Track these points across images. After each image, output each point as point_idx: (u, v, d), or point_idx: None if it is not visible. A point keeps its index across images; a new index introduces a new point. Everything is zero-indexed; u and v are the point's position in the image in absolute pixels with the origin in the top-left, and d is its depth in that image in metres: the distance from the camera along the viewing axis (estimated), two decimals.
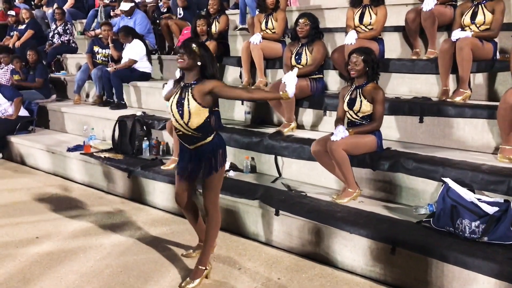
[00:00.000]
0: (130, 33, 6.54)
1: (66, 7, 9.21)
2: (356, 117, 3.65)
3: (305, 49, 4.50)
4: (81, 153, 5.27)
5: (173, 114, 2.92)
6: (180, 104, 2.88)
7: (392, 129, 4.13)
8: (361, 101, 3.58)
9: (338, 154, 3.50)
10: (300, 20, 4.47)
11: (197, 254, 3.28)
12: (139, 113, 5.61)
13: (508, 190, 3.06)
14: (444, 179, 3.21)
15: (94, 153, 5.19)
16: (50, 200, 4.67)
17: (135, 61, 6.47)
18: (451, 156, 3.60)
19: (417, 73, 4.48)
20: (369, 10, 4.67)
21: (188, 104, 2.85)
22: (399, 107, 4.10)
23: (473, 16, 4.12)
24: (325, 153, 3.64)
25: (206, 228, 3.09)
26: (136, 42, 6.50)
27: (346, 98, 3.69)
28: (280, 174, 4.29)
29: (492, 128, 3.66)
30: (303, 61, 4.49)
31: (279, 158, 4.29)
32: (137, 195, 4.62)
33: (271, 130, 4.59)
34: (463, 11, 4.25)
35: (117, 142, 5.33)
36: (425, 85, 4.43)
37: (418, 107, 4.00)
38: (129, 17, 7.15)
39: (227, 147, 4.51)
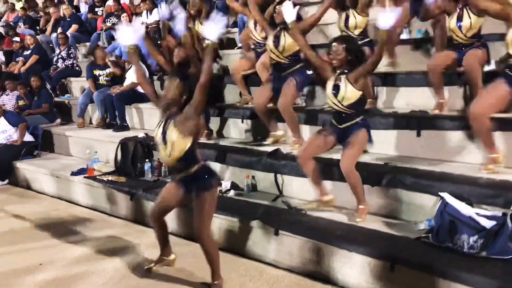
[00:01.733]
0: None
1: (70, 31, 9.38)
2: (341, 106, 3.49)
3: None
4: (84, 177, 5.33)
5: (157, 144, 3.05)
6: (164, 136, 3.02)
7: (389, 144, 4.14)
8: (346, 87, 3.44)
9: (354, 175, 3.45)
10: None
11: (158, 267, 3.48)
12: (141, 134, 5.67)
13: (505, 203, 3.05)
14: (442, 194, 3.21)
15: (97, 177, 5.26)
16: (54, 225, 4.72)
17: (137, 84, 6.55)
18: (449, 170, 3.59)
19: (413, 86, 4.50)
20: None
21: (171, 136, 2.98)
22: (396, 121, 4.11)
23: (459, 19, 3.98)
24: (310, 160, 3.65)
25: (208, 261, 3.15)
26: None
27: (330, 85, 3.54)
28: (280, 192, 4.31)
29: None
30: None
31: (279, 176, 4.31)
32: (140, 217, 4.65)
33: (271, 147, 4.60)
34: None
35: (119, 165, 5.40)
36: (421, 98, 4.43)
37: (415, 121, 4.01)
38: None
39: (228, 166, 4.65)
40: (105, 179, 5.16)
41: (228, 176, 4.67)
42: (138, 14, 9.12)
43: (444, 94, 4.16)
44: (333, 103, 3.53)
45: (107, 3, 9.60)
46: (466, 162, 3.74)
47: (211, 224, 3.15)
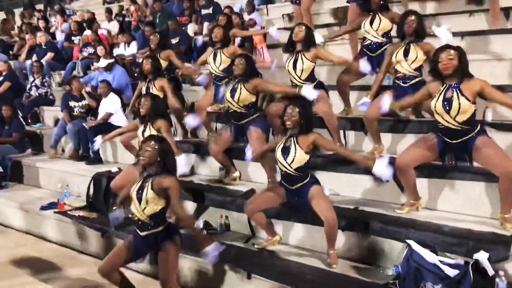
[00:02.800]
0: (108, 87, 6.69)
1: (45, 59, 9.31)
2: (290, 168, 3.63)
3: None
4: (55, 212, 5.26)
5: (132, 200, 3.19)
6: (140, 192, 3.18)
7: (360, 188, 4.28)
8: (295, 150, 3.59)
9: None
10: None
11: None
12: (114, 169, 5.66)
13: (467, 252, 3.20)
14: (408, 241, 3.33)
15: (68, 212, 5.19)
16: (21, 262, 4.61)
17: (111, 114, 6.57)
18: (416, 216, 3.74)
19: (383, 132, 4.68)
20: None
21: (147, 194, 3.14)
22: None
23: (406, 53, 4.13)
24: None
25: None
26: (111, 96, 6.64)
27: (279, 147, 3.68)
28: (253, 233, 4.36)
29: (455, 187, 3.84)
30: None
31: None
32: None
33: (247, 187, 4.67)
34: (394, 50, 4.25)
35: (91, 200, 5.35)
36: (389, 144, 4.62)
37: None
38: (108, 72, 7.30)
39: (202, 205, 4.68)
40: (76, 214, 5.11)
41: (201, 214, 4.70)
42: (116, 45, 9.21)
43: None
44: (282, 165, 3.68)
45: (85, 32, 9.63)
46: (431, 209, 3.90)
47: (176, 274, 3.28)
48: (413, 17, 4.17)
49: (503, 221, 3.38)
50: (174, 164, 3.31)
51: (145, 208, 3.18)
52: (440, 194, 3.88)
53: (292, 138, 3.64)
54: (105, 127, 6.50)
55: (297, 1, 6.67)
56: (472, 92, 3.30)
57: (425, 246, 3.30)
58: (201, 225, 4.49)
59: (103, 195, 5.25)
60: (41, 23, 11.43)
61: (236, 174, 4.90)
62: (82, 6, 14.73)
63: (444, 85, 3.39)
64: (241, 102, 4.51)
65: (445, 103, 3.34)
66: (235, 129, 4.68)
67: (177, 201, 3.24)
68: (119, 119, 6.64)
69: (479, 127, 3.41)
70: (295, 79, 4.59)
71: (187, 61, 7.57)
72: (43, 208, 5.42)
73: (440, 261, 3.16)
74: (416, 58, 4.12)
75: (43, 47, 9.58)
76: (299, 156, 3.58)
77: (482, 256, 3.03)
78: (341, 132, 4.78)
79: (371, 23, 4.71)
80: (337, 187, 4.38)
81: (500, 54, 4.92)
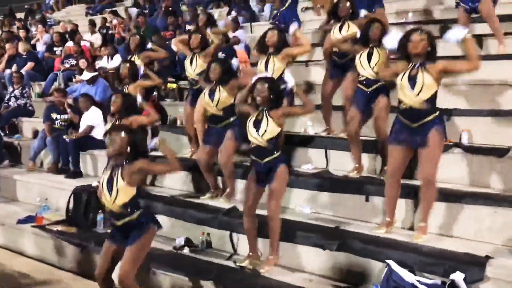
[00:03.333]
0: (89, 101, 6.64)
1: (25, 69, 9.20)
2: (262, 140, 3.76)
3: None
4: (32, 226, 5.17)
5: (102, 191, 3.23)
6: (109, 183, 3.23)
7: (340, 206, 4.36)
8: (267, 122, 3.76)
9: (276, 220, 3.78)
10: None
11: None
12: (95, 183, 5.59)
13: (445, 273, 3.28)
14: (388, 261, 3.41)
15: (46, 226, 5.11)
16: None
17: (93, 127, 6.52)
18: (396, 235, 3.82)
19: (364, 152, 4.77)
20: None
21: (117, 183, 3.20)
22: (346, 186, 4.35)
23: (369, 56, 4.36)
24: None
25: None
26: (93, 109, 6.60)
27: (251, 121, 3.84)
28: (235, 250, 4.37)
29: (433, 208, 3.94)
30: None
31: (234, 234, 4.38)
32: (90, 272, 4.53)
33: (229, 204, 4.67)
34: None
35: (71, 214, 5.28)
36: (368, 163, 4.71)
37: (364, 186, 4.26)
38: (91, 85, 7.26)
39: (183, 222, 4.68)
40: (54, 229, 5.03)
41: (183, 231, 4.69)
42: (98, 57, 9.17)
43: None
44: (254, 138, 3.82)
45: (67, 44, 9.57)
46: (411, 229, 3.98)
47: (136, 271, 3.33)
48: (377, 24, 4.42)
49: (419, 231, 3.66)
50: (146, 149, 3.49)
51: (115, 198, 3.25)
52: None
53: (263, 112, 3.81)
54: (86, 141, 6.45)
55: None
56: (436, 71, 3.56)
57: (404, 266, 3.37)
58: (182, 242, 4.48)
59: (83, 209, 5.19)
60: (22, 33, 11.28)
61: (220, 191, 4.91)
62: (64, 16, 14.64)
63: (411, 64, 3.62)
64: (220, 105, 4.64)
65: (411, 80, 3.58)
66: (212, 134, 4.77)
67: (156, 169, 3.54)
68: (101, 132, 6.59)
69: (438, 112, 3.63)
70: None
71: (171, 76, 7.63)
72: (20, 222, 5.32)
73: (418, 281, 3.24)
74: (378, 61, 4.34)
75: (24, 56, 9.48)
76: (270, 128, 3.75)
77: (458, 277, 3.13)
78: (323, 151, 4.89)
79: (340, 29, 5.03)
80: (318, 206, 4.46)
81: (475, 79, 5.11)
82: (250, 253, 4.02)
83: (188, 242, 4.54)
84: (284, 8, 7.11)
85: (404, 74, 3.62)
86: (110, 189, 3.26)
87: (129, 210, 3.29)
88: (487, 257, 3.32)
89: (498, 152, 4.06)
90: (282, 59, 4.85)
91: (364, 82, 4.43)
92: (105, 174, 3.35)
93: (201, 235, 4.49)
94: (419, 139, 3.61)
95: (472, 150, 4.21)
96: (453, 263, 3.29)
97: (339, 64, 5.10)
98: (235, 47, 7.44)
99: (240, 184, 4.74)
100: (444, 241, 3.69)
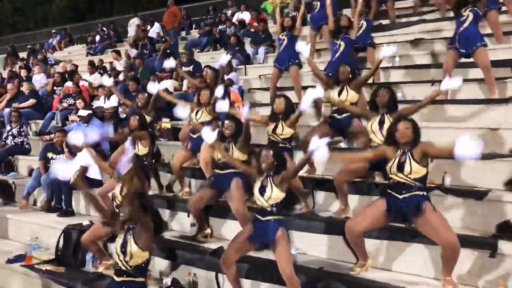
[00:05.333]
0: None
1: (26, 104, 9.37)
2: (267, 204, 3.82)
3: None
4: (21, 265, 5.18)
5: (116, 253, 3.37)
6: (123, 246, 3.43)
7: (324, 248, 4.40)
8: (272, 189, 3.82)
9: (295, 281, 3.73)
10: None
11: None
12: (85, 222, 5.65)
13: None
14: None
15: (35, 265, 5.12)
16: None
17: (86, 168, 6.60)
18: (378, 277, 3.86)
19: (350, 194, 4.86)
20: None
21: (130, 247, 3.37)
22: (331, 226, 4.42)
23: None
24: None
25: None
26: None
27: (257, 187, 3.92)
28: None
29: (414, 251, 4.00)
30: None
31: (220, 275, 4.40)
32: None
33: (216, 244, 4.72)
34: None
35: (60, 253, 5.30)
36: (353, 205, 4.78)
37: None
38: (85, 125, 7.41)
39: (170, 262, 4.72)
40: (43, 268, 5.05)
41: (171, 271, 4.71)
42: (96, 97, 9.39)
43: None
44: (260, 202, 3.89)
45: (66, 83, 9.81)
46: (395, 271, 4.03)
47: None
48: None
49: (445, 283, 3.63)
50: (152, 210, 3.67)
51: (129, 260, 3.45)
52: (399, 256, 4.05)
53: (268, 178, 3.89)
54: None
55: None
56: (420, 156, 3.69)
57: None
58: (169, 283, 4.49)
59: (72, 249, 5.21)
60: (23, 72, 11.59)
61: (208, 231, 4.98)
62: (65, 56, 15.04)
63: (399, 151, 3.77)
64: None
65: (399, 166, 3.72)
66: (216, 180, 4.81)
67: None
68: (95, 172, 6.68)
69: (426, 192, 3.74)
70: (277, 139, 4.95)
71: (166, 116, 7.79)
72: (10, 261, 5.33)
73: None
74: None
75: (26, 94, 9.68)
76: (275, 194, 3.83)
77: None
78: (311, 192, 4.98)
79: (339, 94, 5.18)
80: (304, 246, 4.50)
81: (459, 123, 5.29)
82: None
83: (175, 283, 4.55)
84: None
85: (394, 161, 3.73)
86: (124, 252, 3.50)
87: (137, 273, 3.55)
88: None
89: (478, 194, 4.15)
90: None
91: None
92: (119, 237, 3.58)
93: (187, 276, 4.51)
94: (408, 215, 3.68)
95: (454, 192, 4.30)
96: None
97: (337, 119, 5.15)
98: (230, 88, 7.67)
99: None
100: (423, 283, 3.74)
